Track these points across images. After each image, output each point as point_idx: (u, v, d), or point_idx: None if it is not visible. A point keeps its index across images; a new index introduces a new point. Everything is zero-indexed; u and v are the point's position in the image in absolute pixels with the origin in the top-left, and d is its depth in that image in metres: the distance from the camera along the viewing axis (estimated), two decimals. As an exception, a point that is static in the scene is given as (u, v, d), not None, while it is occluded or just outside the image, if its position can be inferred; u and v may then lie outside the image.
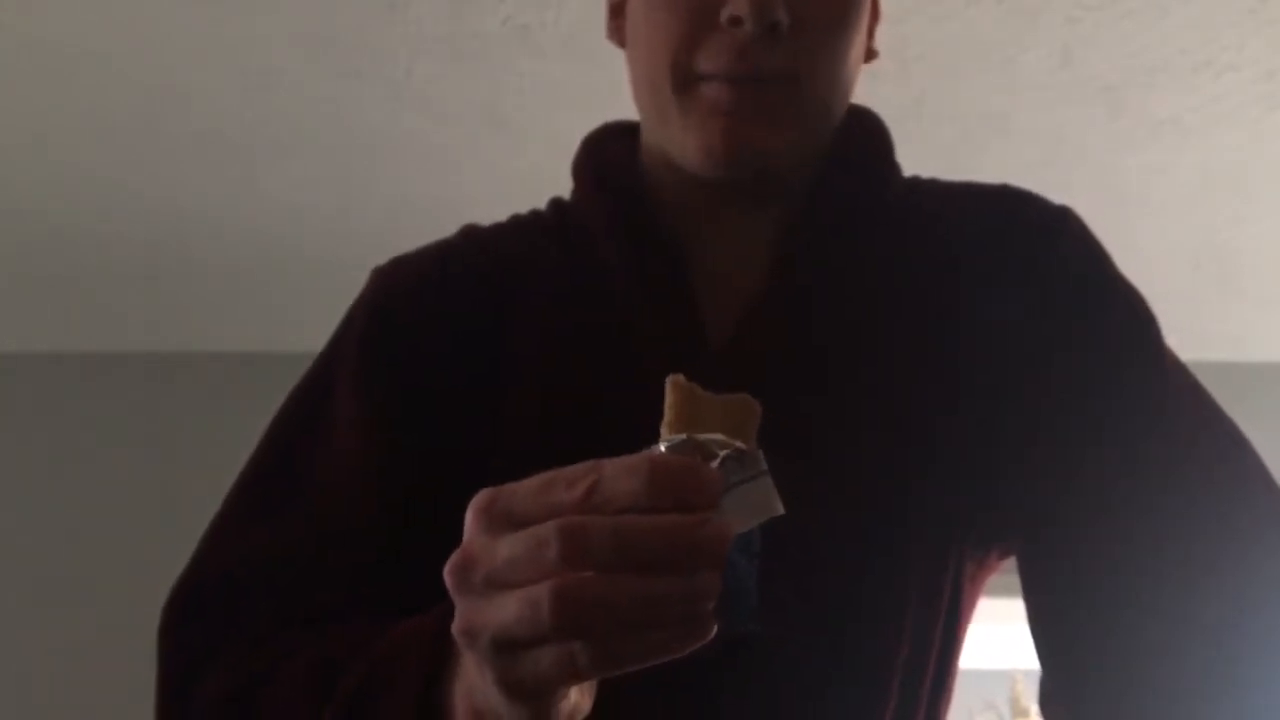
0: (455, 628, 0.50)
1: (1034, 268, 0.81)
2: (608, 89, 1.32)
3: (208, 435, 2.93)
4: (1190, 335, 2.54)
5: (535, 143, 2.33)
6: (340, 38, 2.06)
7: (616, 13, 0.85)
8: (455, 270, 0.86)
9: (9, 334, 3.16)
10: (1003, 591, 0.92)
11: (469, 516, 0.50)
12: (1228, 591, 0.70)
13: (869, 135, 0.87)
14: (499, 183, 2.44)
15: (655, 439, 0.50)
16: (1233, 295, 2.93)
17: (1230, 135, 2.31)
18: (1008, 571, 0.83)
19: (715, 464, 0.49)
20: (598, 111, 0.97)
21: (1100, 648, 0.72)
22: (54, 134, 2.35)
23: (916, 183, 0.88)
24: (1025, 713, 3.57)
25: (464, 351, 0.82)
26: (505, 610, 0.47)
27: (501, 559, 0.48)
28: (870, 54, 0.86)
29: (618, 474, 0.47)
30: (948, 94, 2.20)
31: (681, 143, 0.78)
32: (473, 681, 0.54)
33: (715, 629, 0.47)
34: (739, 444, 0.49)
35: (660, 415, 0.51)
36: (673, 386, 0.51)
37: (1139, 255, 2.09)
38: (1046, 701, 0.77)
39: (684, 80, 0.77)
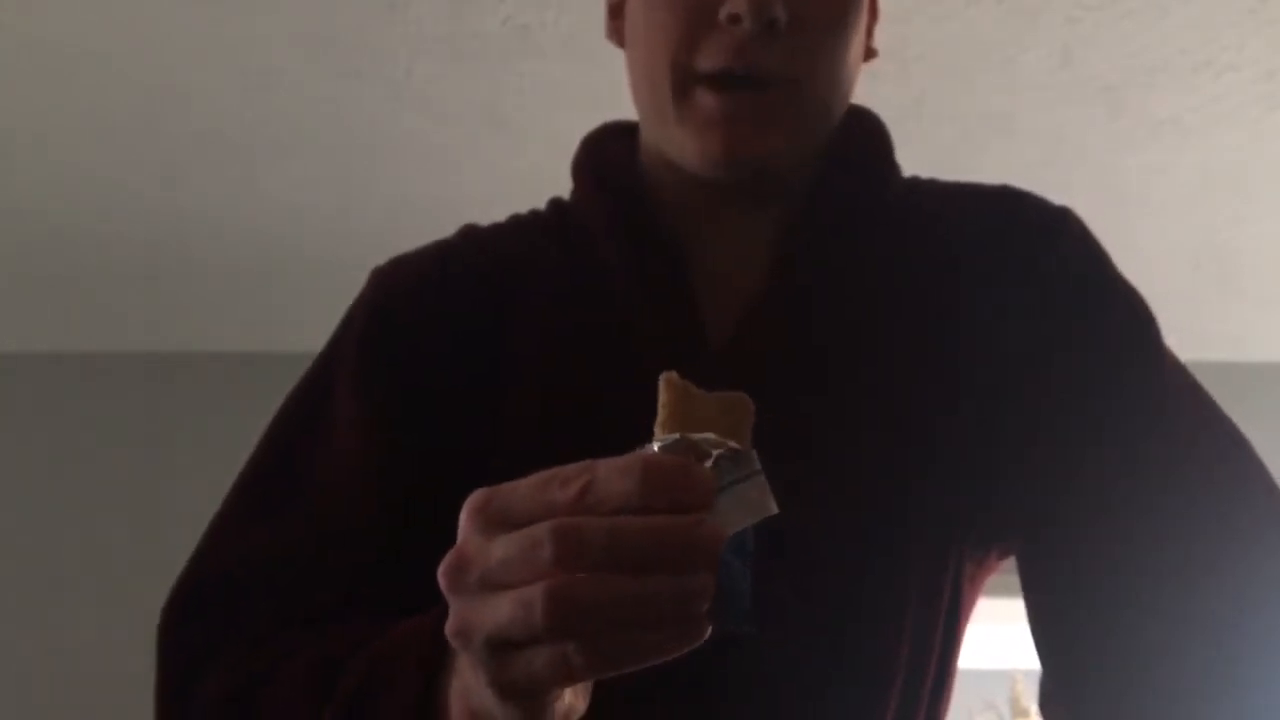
0: (449, 628, 0.50)
1: (1034, 268, 0.81)
2: (608, 89, 1.32)
3: (208, 435, 2.93)
4: (1190, 335, 2.54)
5: (535, 143, 2.33)
6: (340, 38, 2.05)
7: (616, 13, 0.85)
8: (455, 270, 0.86)
9: (9, 334, 3.16)
10: (1003, 591, 0.92)
11: (463, 517, 0.50)
12: (1228, 591, 0.70)
13: (869, 135, 0.87)
14: (499, 183, 2.44)
15: (652, 438, 0.50)
16: (1233, 295, 2.92)
17: (1230, 135, 2.30)
18: (1008, 571, 0.83)
19: (709, 464, 0.48)
20: (598, 111, 0.97)
21: (1100, 648, 0.72)
22: (54, 134, 2.35)
23: (916, 183, 0.88)
24: (1025, 713, 3.57)
25: (464, 351, 0.82)
26: (499, 611, 0.47)
27: (495, 559, 0.48)
28: (870, 54, 0.86)
29: (611, 474, 0.47)
30: (948, 94, 2.20)
31: (680, 145, 0.78)
32: (467, 682, 0.54)
33: (709, 630, 0.47)
34: (732, 443, 0.49)
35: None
36: (666, 385, 0.50)
37: (1139, 255, 2.10)
38: (1046, 701, 0.77)
39: (683, 80, 0.77)
